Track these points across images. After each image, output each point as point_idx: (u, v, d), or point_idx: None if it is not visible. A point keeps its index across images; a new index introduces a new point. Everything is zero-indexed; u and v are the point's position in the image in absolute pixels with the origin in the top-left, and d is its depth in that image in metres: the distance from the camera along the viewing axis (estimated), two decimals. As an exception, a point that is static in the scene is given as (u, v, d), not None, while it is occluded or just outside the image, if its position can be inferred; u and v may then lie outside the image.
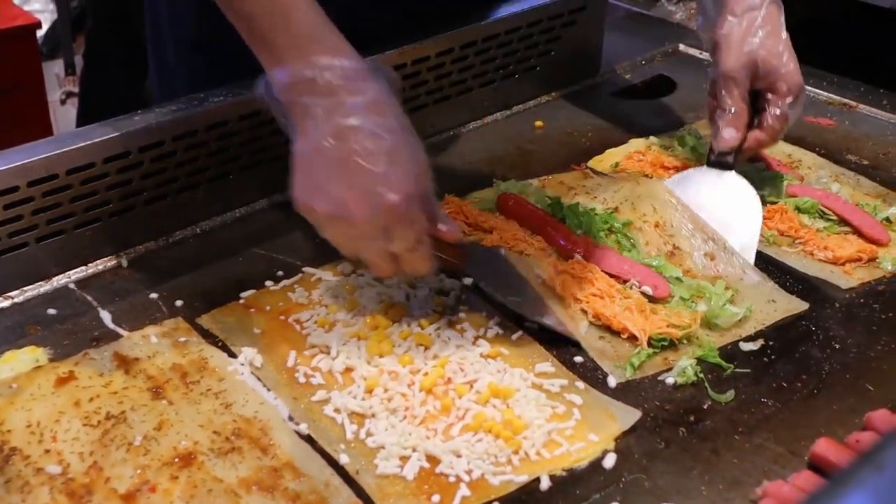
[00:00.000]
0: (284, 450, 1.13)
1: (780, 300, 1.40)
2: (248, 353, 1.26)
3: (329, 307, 1.35)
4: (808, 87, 1.94)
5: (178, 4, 1.65)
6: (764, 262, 1.47)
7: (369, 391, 1.22)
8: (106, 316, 1.34)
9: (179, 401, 1.19)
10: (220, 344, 1.29)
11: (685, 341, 1.31)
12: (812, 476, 1.11)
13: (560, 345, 1.30)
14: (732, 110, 1.54)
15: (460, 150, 1.77)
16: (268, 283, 1.40)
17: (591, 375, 1.26)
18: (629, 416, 1.20)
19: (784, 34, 1.54)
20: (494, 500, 1.10)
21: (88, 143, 1.39)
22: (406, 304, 1.35)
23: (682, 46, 2.18)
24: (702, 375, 1.27)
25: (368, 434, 1.16)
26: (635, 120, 1.88)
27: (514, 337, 1.31)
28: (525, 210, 1.46)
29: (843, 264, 1.48)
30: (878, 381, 1.27)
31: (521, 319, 1.33)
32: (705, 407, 1.23)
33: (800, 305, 1.40)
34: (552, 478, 1.12)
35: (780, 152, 1.73)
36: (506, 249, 1.40)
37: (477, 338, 1.30)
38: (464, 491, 1.10)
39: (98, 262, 1.44)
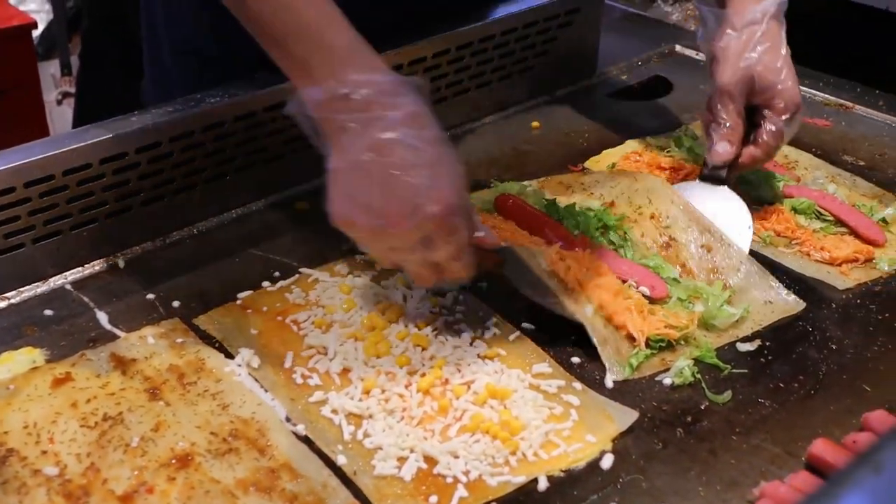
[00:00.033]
0: (282, 451, 1.13)
1: (777, 298, 1.40)
2: (245, 354, 1.26)
3: (326, 308, 1.35)
4: (805, 88, 1.94)
5: (174, 9, 1.65)
6: (760, 263, 1.47)
7: (366, 392, 1.22)
8: (103, 317, 1.33)
9: (176, 402, 1.19)
10: (217, 345, 1.29)
11: (682, 342, 1.31)
12: (809, 477, 1.11)
13: (557, 346, 1.30)
14: (727, 125, 1.53)
15: (457, 151, 1.77)
16: (265, 283, 1.40)
17: (589, 376, 1.26)
18: (626, 416, 1.20)
19: (784, 51, 1.53)
20: (492, 500, 1.10)
21: (85, 143, 1.39)
22: (403, 304, 1.35)
23: (678, 47, 2.18)
24: (699, 376, 1.27)
25: (366, 435, 1.16)
26: (632, 121, 1.88)
27: (511, 338, 1.31)
28: (523, 211, 1.46)
29: (839, 265, 1.49)
30: (874, 381, 1.28)
31: (519, 320, 1.33)
32: (702, 408, 1.23)
33: (796, 304, 1.40)
34: (550, 479, 1.12)
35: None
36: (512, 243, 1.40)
37: (474, 338, 1.30)
38: (461, 492, 1.10)
39: (95, 262, 1.44)
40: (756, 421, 1.21)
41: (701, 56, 2.12)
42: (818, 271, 1.48)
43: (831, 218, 1.56)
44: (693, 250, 1.45)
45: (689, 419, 1.21)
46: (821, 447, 1.14)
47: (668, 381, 1.26)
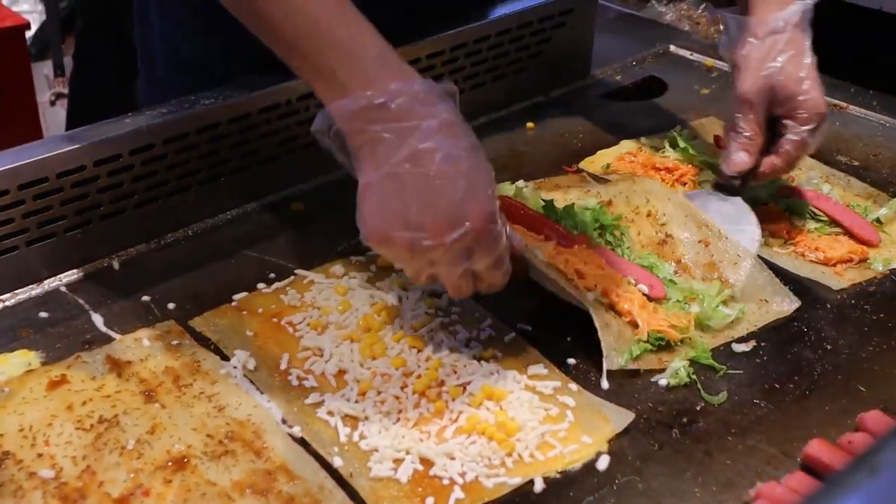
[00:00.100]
0: (278, 453, 1.13)
1: (774, 296, 1.40)
2: (240, 356, 1.26)
3: (321, 309, 1.34)
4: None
5: (170, 23, 1.65)
6: (755, 263, 1.48)
7: (362, 394, 1.22)
8: (98, 319, 1.33)
9: (172, 404, 1.19)
10: (212, 347, 1.29)
11: (678, 343, 1.31)
12: (805, 477, 1.11)
13: (553, 347, 1.30)
14: (746, 134, 1.51)
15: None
16: (260, 285, 1.40)
17: (584, 378, 1.26)
18: (622, 417, 1.20)
19: (808, 59, 1.50)
20: (488, 502, 1.10)
21: (79, 145, 1.39)
22: (398, 306, 1.35)
23: (672, 48, 2.18)
24: (694, 377, 1.27)
25: (362, 437, 1.16)
26: (626, 121, 1.88)
27: (507, 339, 1.31)
28: (520, 212, 1.45)
29: (834, 265, 1.49)
30: (869, 381, 1.28)
31: (514, 321, 1.33)
32: (698, 408, 1.23)
33: (792, 302, 1.40)
34: (546, 480, 1.12)
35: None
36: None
37: (469, 339, 1.30)
38: (457, 493, 1.10)
39: (89, 264, 1.44)
40: (752, 421, 1.21)
41: (695, 56, 2.14)
42: (813, 272, 1.48)
43: (826, 218, 1.56)
44: (689, 246, 1.45)
45: (684, 420, 1.21)
46: (816, 448, 1.14)
47: (663, 381, 1.27)
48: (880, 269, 1.49)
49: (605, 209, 1.49)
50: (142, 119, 1.45)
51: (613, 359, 1.26)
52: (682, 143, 1.73)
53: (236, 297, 1.37)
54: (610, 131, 1.83)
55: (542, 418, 1.19)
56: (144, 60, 1.74)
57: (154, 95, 1.66)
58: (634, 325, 1.30)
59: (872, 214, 1.59)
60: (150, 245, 1.49)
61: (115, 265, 1.45)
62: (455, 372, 1.25)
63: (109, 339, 1.29)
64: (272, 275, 1.42)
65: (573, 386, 1.25)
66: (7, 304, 1.37)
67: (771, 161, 1.51)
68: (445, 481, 1.11)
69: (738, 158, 1.51)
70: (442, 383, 1.23)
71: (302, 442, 1.16)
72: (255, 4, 1.21)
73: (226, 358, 1.27)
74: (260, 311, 1.35)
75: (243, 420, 1.17)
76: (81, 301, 1.37)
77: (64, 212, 1.40)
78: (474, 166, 1.17)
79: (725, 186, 1.54)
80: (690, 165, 1.68)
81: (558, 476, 1.13)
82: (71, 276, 1.42)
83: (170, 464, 1.11)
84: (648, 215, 1.49)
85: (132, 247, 1.48)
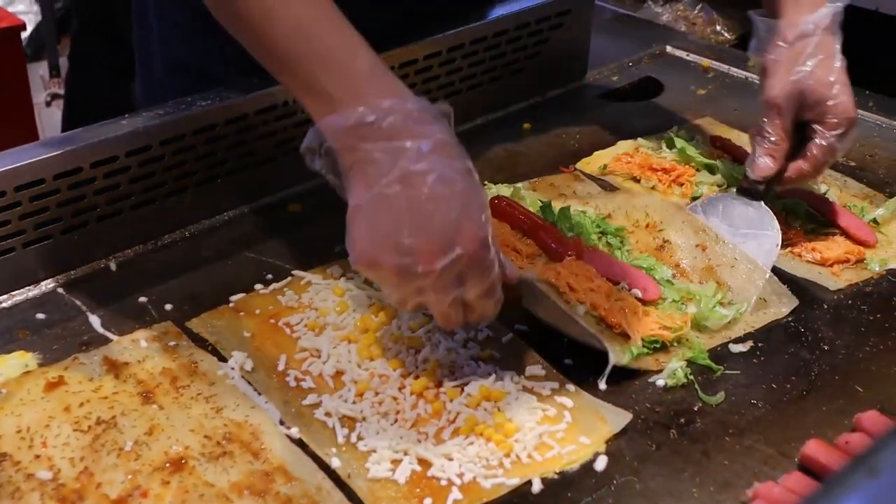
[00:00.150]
0: (276, 454, 1.13)
1: (772, 296, 1.41)
2: (238, 357, 1.26)
3: (319, 310, 1.34)
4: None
5: (168, 26, 1.65)
6: (752, 264, 1.48)
7: (360, 395, 1.22)
8: (95, 320, 1.33)
9: (170, 405, 1.19)
10: (210, 348, 1.29)
11: (675, 343, 1.31)
12: (802, 477, 1.11)
13: (550, 348, 1.30)
14: (772, 139, 1.48)
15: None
16: (257, 286, 1.40)
17: (582, 378, 1.26)
18: (620, 418, 1.20)
19: (838, 63, 1.47)
20: (486, 503, 1.10)
21: (75, 147, 1.39)
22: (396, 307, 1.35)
23: (669, 48, 2.19)
24: (692, 377, 1.27)
25: (359, 438, 1.16)
26: (623, 122, 1.88)
27: (505, 339, 1.31)
28: (516, 213, 1.46)
29: (830, 266, 1.49)
30: (866, 382, 1.28)
31: (512, 322, 1.33)
32: (696, 409, 1.23)
33: (791, 301, 1.41)
34: (544, 480, 1.13)
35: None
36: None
37: (467, 340, 1.30)
38: (455, 494, 1.10)
39: (86, 266, 1.44)
40: (749, 422, 1.21)
41: (692, 57, 2.14)
42: (809, 272, 1.48)
43: (822, 219, 1.56)
44: (687, 250, 1.46)
45: (682, 420, 1.21)
46: (814, 448, 1.14)
47: (660, 382, 1.27)
48: (877, 269, 1.49)
49: (606, 219, 1.50)
50: (138, 120, 1.45)
51: (617, 353, 1.26)
52: (678, 144, 1.73)
53: (233, 298, 1.37)
54: (607, 132, 1.83)
55: (539, 419, 1.19)
56: (142, 62, 1.74)
57: (152, 97, 1.66)
58: (626, 336, 1.29)
59: (869, 215, 1.59)
60: (147, 246, 1.49)
61: (112, 266, 1.45)
62: (453, 373, 1.25)
63: (107, 341, 1.29)
64: (269, 276, 1.42)
65: (571, 387, 1.25)
66: (4, 305, 1.37)
67: (798, 166, 1.49)
68: (443, 482, 1.11)
69: (763, 163, 1.49)
70: (440, 384, 1.23)
71: (300, 443, 1.16)
72: (247, 18, 1.19)
73: (223, 359, 1.27)
74: (257, 312, 1.35)
75: (241, 421, 1.17)
76: (78, 302, 1.37)
77: (61, 213, 1.39)
78: (468, 189, 1.13)
79: (749, 191, 1.52)
80: (687, 166, 1.69)
81: (556, 477, 1.13)
82: (68, 277, 1.42)
83: (168, 465, 1.11)
84: (647, 227, 1.49)
85: (129, 248, 1.48)
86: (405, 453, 1.14)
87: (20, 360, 1.25)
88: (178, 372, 1.23)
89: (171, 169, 1.49)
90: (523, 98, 1.95)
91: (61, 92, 4.13)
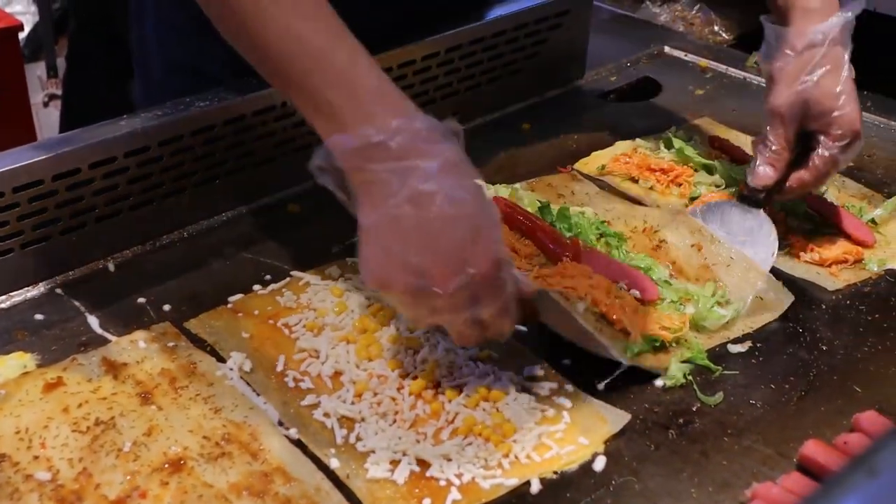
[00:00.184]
0: (274, 454, 1.13)
1: (768, 293, 1.41)
2: (236, 358, 1.26)
3: (317, 311, 1.34)
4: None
5: (166, 28, 1.65)
6: (751, 264, 1.48)
7: (358, 395, 1.22)
8: (93, 321, 1.33)
9: (168, 406, 1.19)
10: (208, 348, 1.29)
11: (674, 344, 1.31)
12: (801, 478, 1.11)
13: (549, 348, 1.30)
14: (773, 148, 1.48)
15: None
16: (256, 287, 1.40)
17: (581, 379, 1.26)
18: (619, 418, 1.20)
19: (845, 75, 1.46)
20: (485, 503, 1.10)
21: (74, 148, 1.39)
22: (394, 307, 1.35)
23: (667, 48, 2.19)
24: (690, 378, 1.27)
25: (358, 438, 1.16)
26: (621, 122, 1.88)
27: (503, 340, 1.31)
28: (515, 214, 1.46)
29: (829, 266, 1.49)
30: (865, 382, 1.28)
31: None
32: (694, 409, 1.23)
33: (787, 297, 1.40)
34: (542, 481, 1.13)
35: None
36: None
37: (466, 341, 1.30)
38: (454, 495, 1.10)
39: (85, 266, 1.44)
40: (748, 422, 1.22)
41: (690, 57, 2.14)
42: (808, 272, 1.48)
43: (821, 219, 1.57)
44: (682, 249, 1.46)
45: (680, 421, 1.21)
46: (812, 448, 1.14)
47: (659, 382, 1.27)
48: (875, 269, 1.49)
49: (605, 223, 1.50)
50: (137, 121, 1.45)
51: (618, 348, 1.25)
52: (676, 144, 1.73)
53: (232, 298, 1.37)
54: (605, 132, 1.83)
55: (538, 419, 1.19)
56: (140, 63, 1.73)
57: (150, 98, 1.66)
58: (626, 332, 1.29)
59: (867, 215, 1.59)
60: (146, 247, 1.49)
61: (111, 267, 1.45)
62: (451, 373, 1.25)
63: (105, 342, 1.29)
64: (268, 276, 1.42)
65: (569, 387, 1.25)
66: (2, 306, 1.37)
67: (799, 176, 1.48)
68: (442, 482, 1.11)
69: (763, 172, 1.48)
70: (438, 385, 1.23)
71: (298, 444, 1.16)
72: (252, 34, 1.17)
73: (222, 360, 1.27)
74: (256, 312, 1.35)
75: (240, 422, 1.17)
76: (77, 303, 1.37)
77: (59, 214, 1.39)
78: (478, 208, 1.12)
79: (749, 198, 1.51)
80: (685, 166, 1.69)
81: (555, 477, 1.14)
82: (66, 278, 1.42)
83: (166, 466, 1.11)
84: (644, 231, 1.49)
85: (127, 249, 1.47)
86: (404, 454, 1.14)
87: (19, 361, 1.25)
88: (176, 373, 1.23)
89: (170, 170, 1.49)
90: (522, 98, 1.95)
91: (59, 92, 4.13)
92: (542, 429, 1.18)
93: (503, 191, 1.56)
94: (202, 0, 1.23)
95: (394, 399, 1.21)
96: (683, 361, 1.29)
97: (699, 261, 1.44)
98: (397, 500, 1.09)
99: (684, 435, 1.20)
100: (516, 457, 1.15)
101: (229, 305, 1.36)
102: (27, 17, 4.53)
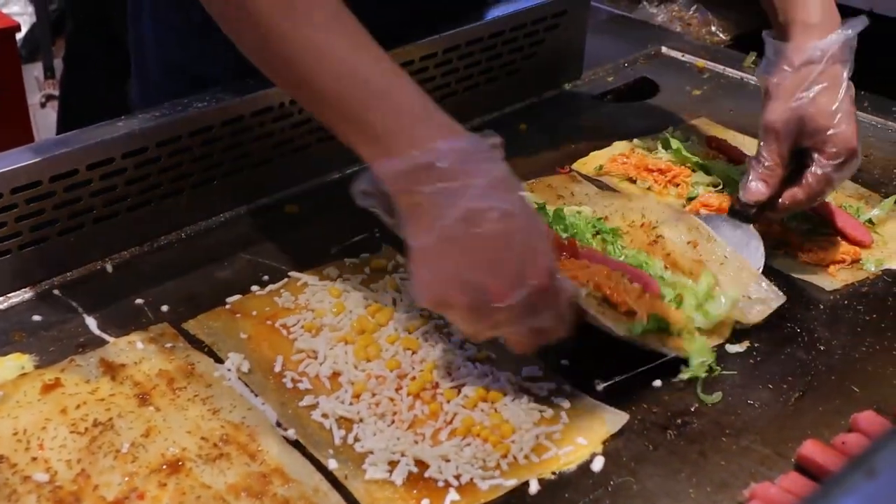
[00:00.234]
0: (273, 455, 1.13)
1: (759, 292, 1.40)
2: (234, 359, 1.26)
3: (315, 311, 1.34)
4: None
5: (163, 30, 1.65)
6: (748, 264, 1.48)
7: (357, 396, 1.22)
8: (91, 322, 1.33)
9: (167, 407, 1.19)
10: (206, 349, 1.29)
11: (678, 333, 1.30)
12: (799, 478, 1.11)
13: (547, 348, 1.30)
14: (766, 164, 1.46)
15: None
16: (254, 287, 1.40)
17: (579, 379, 1.26)
18: (617, 419, 1.21)
19: (842, 93, 1.44)
20: (483, 504, 1.10)
21: (71, 149, 1.38)
22: (393, 307, 1.35)
23: (664, 49, 2.19)
24: (706, 373, 1.27)
25: (356, 439, 1.16)
26: (618, 122, 1.89)
27: (501, 340, 1.30)
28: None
29: (826, 266, 1.49)
30: (863, 382, 1.28)
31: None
32: (692, 409, 1.23)
33: (778, 298, 1.40)
34: (541, 482, 1.13)
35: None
36: None
37: (464, 341, 1.30)
38: (453, 495, 1.10)
39: (83, 267, 1.43)
40: (746, 422, 1.22)
41: (687, 57, 2.15)
42: (805, 272, 1.48)
43: (818, 219, 1.57)
44: (678, 244, 1.45)
45: (679, 421, 1.21)
46: (810, 448, 1.15)
47: (657, 383, 1.27)
48: (873, 269, 1.49)
49: (602, 220, 1.50)
50: (134, 122, 1.45)
51: (622, 328, 1.25)
52: (674, 145, 1.73)
53: (230, 299, 1.37)
54: (602, 133, 1.83)
55: (536, 420, 1.19)
56: (138, 64, 1.73)
57: (147, 99, 1.66)
58: (632, 313, 1.27)
59: (865, 215, 1.59)
60: (144, 248, 1.49)
61: (109, 268, 1.45)
62: (449, 374, 1.25)
63: (103, 343, 1.29)
64: (266, 277, 1.42)
65: (567, 387, 1.25)
66: (0, 307, 1.36)
67: (792, 193, 1.47)
68: (440, 483, 1.11)
69: (755, 187, 1.47)
70: (436, 385, 1.23)
71: (296, 444, 1.16)
72: (286, 57, 1.14)
73: (220, 361, 1.27)
74: (254, 313, 1.35)
75: (238, 423, 1.17)
76: (75, 304, 1.37)
77: (57, 215, 1.39)
78: (529, 221, 1.13)
79: (740, 213, 1.50)
80: (683, 166, 1.69)
81: (553, 478, 1.14)
82: (64, 279, 1.42)
83: (164, 467, 1.11)
84: (642, 227, 1.49)
85: (125, 250, 1.47)
86: (402, 454, 1.14)
87: (16, 362, 1.25)
88: (174, 374, 1.23)
89: (168, 171, 1.49)
90: (519, 99, 1.95)
91: (56, 93, 4.13)
92: (540, 429, 1.18)
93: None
94: (228, 26, 1.20)
95: (392, 400, 1.21)
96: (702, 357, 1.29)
97: (694, 256, 1.44)
98: (395, 501, 1.09)
99: (682, 435, 1.20)
100: (514, 457, 1.15)
101: (227, 306, 1.36)
102: (24, 17, 4.54)
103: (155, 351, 1.27)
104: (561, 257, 1.36)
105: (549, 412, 1.21)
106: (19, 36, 3.50)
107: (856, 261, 1.50)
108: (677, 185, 1.65)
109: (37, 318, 1.34)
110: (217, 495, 1.08)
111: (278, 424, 1.18)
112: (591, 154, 1.76)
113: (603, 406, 1.22)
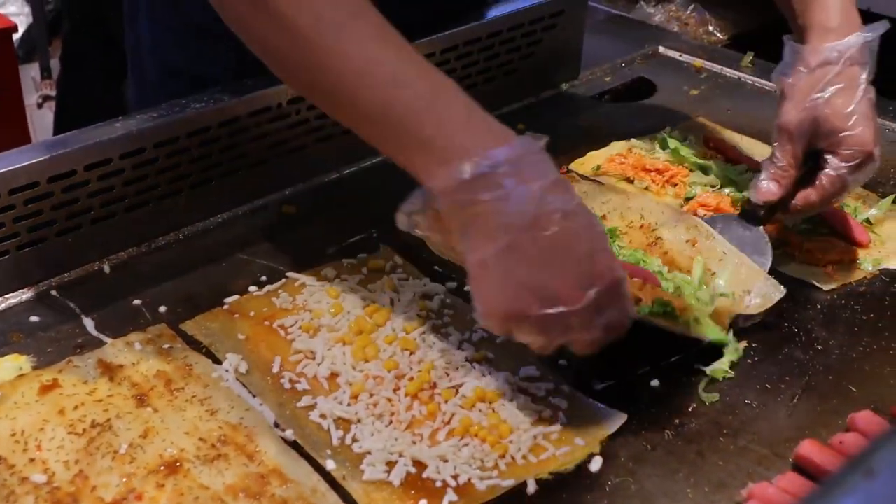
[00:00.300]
0: (271, 456, 1.13)
1: (759, 286, 1.40)
2: (232, 360, 1.26)
3: (313, 312, 1.34)
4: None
5: (160, 33, 1.64)
6: (746, 264, 1.48)
7: (355, 396, 1.21)
8: (89, 323, 1.33)
9: (164, 408, 1.18)
10: (204, 350, 1.29)
11: (683, 318, 1.30)
12: (797, 477, 1.12)
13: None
14: (779, 164, 1.45)
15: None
16: (251, 288, 1.40)
17: (577, 379, 1.26)
18: (615, 419, 1.21)
19: (859, 95, 1.41)
20: (481, 504, 1.10)
21: (69, 150, 1.38)
22: (391, 308, 1.35)
23: (661, 49, 2.19)
24: (733, 372, 1.28)
25: (354, 440, 1.16)
26: (616, 122, 1.89)
27: (499, 340, 1.31)
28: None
29: (824, 266, 1.49)
30: (860, 382, 1.28)
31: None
32: (690, 409, 1.23)
33: (778, 291, 1.40)
34: (539, 482, 1.13)
35: (760, 154, 1.73)
36: None
37: (462, 342, 1.30)
38: (451, 496, 1.10)
39: (80, 268, 1.43)
40: (743, 422, 1.22)
41: (684, 57, 2.15)
42: (803, 272, 1.48)
43: (816, 218, 1.57)
44: (677, 243, 1.45)
45: (676, 421, 1.21)
46: (808, 448, 1.15)
47: (655, 382, 1.27)
48: (870, 269, 1.49)
49: (600, 220, 1.50)
50: (132, 123, 1.45)
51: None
52: (671, 145, 1.73)
53: (228, 300, 1.37)
54: (600, 132, 1.83)
55: (534, 420, 1.19)
56: (135, 64, 1.73)
57: (144, 100, 1.66)
58: (637, 300, 1.27)
59: (862, 215, 1.59)
60: (141, 249, 1.49)
61: (106, 269, 1.44)
62: (447, 374, 1.25)
63: (101, 343, 1.29)
64: (263, 278, 1.42)
65: (565, 387, 1.25)
66: (-2, 308, 1.37)
67: (805, 194, 1.46)
68: (438, 484, 1.11)
69: (766, 187, 1.46)
70: (434, 385, 1.23)
71: (294, 445, 1.16)
72: (333, 74, 1.12)
73: (217, 361, 1.26)
74: (251, 314, 1.35)
75: (236, 424, 1.17)
76: (72, 305, 1.37)
77: (55, 216, 1.39)
78: (588, 219, 1.12)
79: (750, 214, 1.50)
80: (681, 166, 1.69)
81: (551, 478, 1.14)
82: (62, 280, 1.41)
83: (162, 468, 1.11)
84: (641, 227, 1.49)
85: (123, 250, 1.47)
86: (400, 455, 1.14)
87: (14, 363, 1.25)
88: (172, 374, 1.23)
89: (165, 171, 1.49)
90: (517, 99, 1.95)
91: (53, 93, 4.13)
92: (538, 430, 1.18)
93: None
94: (255, 41, 1.18)
95: (390, 400, 1.21)
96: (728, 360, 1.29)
97: (692, 254, 1.44)
98: (393, 502, 1.09)
99: (680, 435, 1.20)
100: (512, 458, 1.15)
101: (225, 307, 1.36)
102: (21, 18, 4.54)
103: (153, 352, 1.27)
104: None
105: (546, 412, 1.21)
106: (16, 36, 3.49)
107: (853, 260, 1.50)
108: (675, 185, 1.65)
109: (34, 319, 1.34)
110: (215, 496, 1.08)
111: (276, 425, 1.18)
112: (589, 154, 1.76)
113: (601, 406, 1.22)
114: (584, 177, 1.69)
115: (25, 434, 1.14)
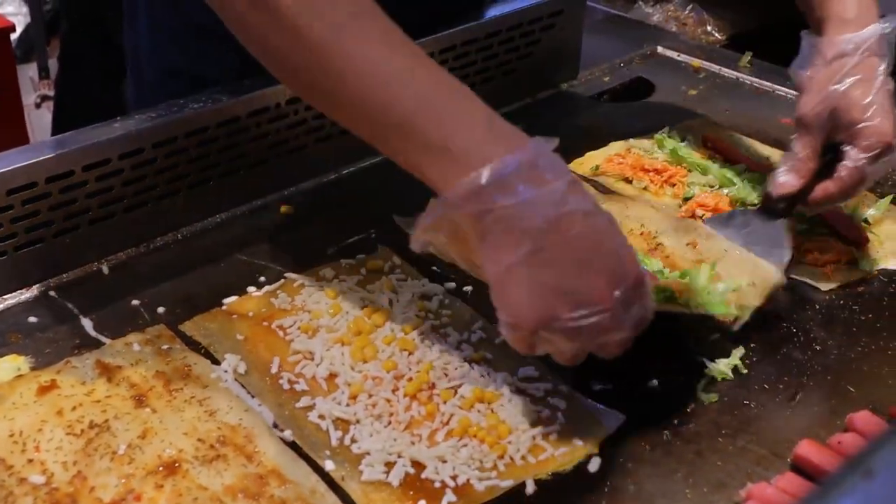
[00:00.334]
0: (269, 457, 1.13)
1: (760, 274, 1.40)
2: (231, 360, 1.26)
3: (312, 313, 1.34)
4: (786, 89, 1.95)
5: (159, 35, 1.64)
6: (744, 265, 1.48)
7: (353, 397, 1.21)
8: (87, 323, 1.33)
9: (163, 409, 1.18)
10: (203, 351, 1.29)
11: (686, 302, 1.29)
12: (795, 478, 1.12)
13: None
14: (798, 157, 1.45)
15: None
16: (250, 288, 1.40)
17: (576, 379, 1.26)
18: (614, 419, 1.21)
19: (878, 85, 1.40)
20: (480, 505, 1.10)
21: (67, 150, 1.38)
22: (389, 308, 1.35)
23: (660, 49, 2.19)
24: (742, 370, 1.28)
25: (353, 440, 1.16)
26: (614, 122, 1.89)
27: (498, 341, 1.31)
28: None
29: (822, 266, 1.49)
30: (858, 382, 1.28)
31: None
32: (689, 410, 1.23)
33: (777, 274, 1.40)
34: (537, 482, 1.13)
35: (758, 155, 1.74)
36: None
37: (460, 342, 1.30)
38: (449, 496, 1.10)
39: (78, 269, 1.43)
40: (742, 422, 1.22)
41: (683, 57, 2.15)
42: (801, 272, 1.48)
43: (814, 218, 1.57)
44: (678, 247, 1.45)
45: (675, 421, 1.21)
46: (806, 448, 1.15)
47: (654, 382, 1.27)
48: (869, 269, 1.49)
49: None
50: (131, 123, 1.45)
51: None
52: (670, 145, 1.73)
53: (226, 300, 1.37)
54: (598, 132, 1.83)
55: (533, 420, 1.19)
56: (133, 64, 1.73)
57: (143, 100, 1.66)
58: None
59: (861, 215, 1.59)
60: (140, 249, 1.49)
61: (105, 270, 1.44)
62: (446, 374, 1.25)
63: (99, 344, 1.29)
64: (262, 278, 1.42)
65: (564, 388, 1.25)
66: (-4, 309, 1.37)
67: (824, 187, 1.45)
68: (437, 484, 1.11)
69: (784, 180, 1.45)
70: (433, 386, 1.23)
71: (293, 446, 1.16)
72: (334, 75, 1.10)
73: (216, 362, 1.26)
74: (250, 314, 1.35)
75: (234, 424, 1.17)
76: (71, 306, 1.36)
77: (53, 217, 1.39)
78: (607, 216, 1.09)
79: (769, 207, 1.49)
80: (679, 166, 1.69)
81: (550, 478, 1.14)
82: (60, 280, 1.41)
83: (161, 469, 1.11)
84: (641, 234, 1.49)
85: (121, 251, 1.47)
86: (399, 455, 1.14)
87: (12, 364, 1.25)
88: (171, 375, 1.23)
89: (164, 171, 1.49)
90: (516, 99, 1.95)
91: (51, 93, 4.13)
92: (536, 430, 1.18)
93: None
94: (254, 41, 1.16)
95: (389, 401, 1.21)
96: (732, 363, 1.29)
97: (694, 256, 1.44)
98: (392, 502, 1.09)
99: (679, 435, 1.20)
100: (511, 458, 1.15)
101: (223, 307, 1.36)
102: (19, 18, 4.53)
103: (151, 352, 1.27)
104: None
105: (545, 413, 1.21)
106: (14, 36, 3.50)
107: (851, 261, 1.50)
108: (673, 185, 1.65)
109: (33, 319, 1.34)
110: (214, 497, 1.08)
111: (275, 426, 1.18)
112: (588, 154, 1.76)
113: (599, 406, 1.22)
114: (582, 177, 1.69)
115: (24, 435, 1.13)
